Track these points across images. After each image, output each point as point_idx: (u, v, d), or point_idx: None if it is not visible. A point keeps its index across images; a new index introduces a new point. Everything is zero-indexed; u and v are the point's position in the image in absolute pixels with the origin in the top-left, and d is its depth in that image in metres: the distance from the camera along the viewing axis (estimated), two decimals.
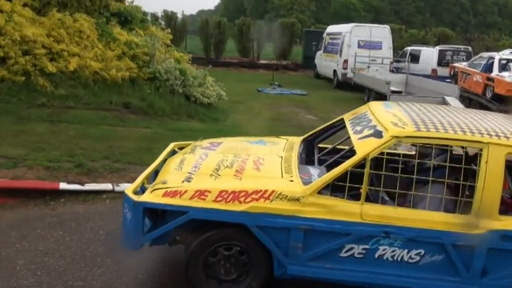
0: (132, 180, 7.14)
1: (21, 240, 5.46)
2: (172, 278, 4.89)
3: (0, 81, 10.67)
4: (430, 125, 4.33)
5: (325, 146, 5.94)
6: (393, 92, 16.22)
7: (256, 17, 47.57)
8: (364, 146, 4.32)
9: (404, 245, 4.18)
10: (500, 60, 18.77)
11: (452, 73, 21.75)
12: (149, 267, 5.05)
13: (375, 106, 5.29)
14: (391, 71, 22.28)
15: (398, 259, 4.22)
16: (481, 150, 4.17)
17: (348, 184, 4.18)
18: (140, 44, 13.19)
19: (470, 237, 4.08)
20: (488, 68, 18.79)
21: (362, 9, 70.83)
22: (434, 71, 23.15)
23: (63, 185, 6.78)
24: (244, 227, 4.22)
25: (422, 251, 4.18)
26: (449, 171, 4.33)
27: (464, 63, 21.44)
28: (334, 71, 23.78)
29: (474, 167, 4.31)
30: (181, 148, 5.73)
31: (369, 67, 21.04)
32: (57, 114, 10.31)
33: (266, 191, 4.20)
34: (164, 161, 5.30)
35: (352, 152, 4.66)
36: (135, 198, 4.30)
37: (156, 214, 4.48)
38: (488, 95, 18.19)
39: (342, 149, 5.64)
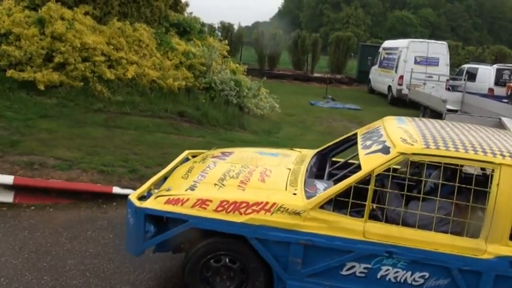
0: None
1: (72, 241, 5.61)
2: None
3: (59, 86, 11.01)
4: (440, 143, 4.21)
5: (339, 160, 5.85)
6: (449, 110, 15.89)
7: (311, 30, 47.55)
8: (369, 162, 4.23)
9: (408, 266, 4.06)
10: None
11: (509, 93, 21.15)
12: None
13: (389, 121, 5.18)
14: (447, 88, 21.83)
15: (402, 281, 4.10)
16: (493, 171, 4.00)
17: (351, 200, 4.10)
18: (197, 54, 13.40)
19: (477, 262, 3.95)
20: None
21: (419, 25, 70.00)
22: (491, 90, 22.55)
23: (116, 189, 6.92)
24: (243, 239, 4.20)
25: (427, 274, 4.06)
26: (459, 192, 4.16)
27: None
28: (389, 86, 23.48)
29: (485, 189, 4.10)
30: (194, 156, 5.75)
31: (424, 84, 20.67)
32: (113, 120, 10.55)
33: (267, 203, 4.17)
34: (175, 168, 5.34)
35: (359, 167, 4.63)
36: (138, 204, 4.36)
37: (161, 221, 4.48)
38: None
39: (354, 163, 5.57)
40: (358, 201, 4.12)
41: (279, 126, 13.49)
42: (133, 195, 4.52)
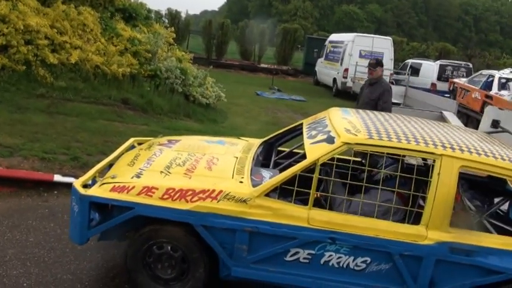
0: None
1: (13, 230, 5.46)
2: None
3: (1, 69, 10.64)
4: (383, 134, 4.32)
5: (285, 149, 5.91)
6: (392, 103, 16.19)
7: (259, 21, 47.57)
8: (314, 151, 4.28)
9: (350, 252, 4.14)
10: (500, 78, 18.79)
11: (451, 88, 21.76)
12: None
13: (334, 112, 5.24)
14: (391, 82, 22.24)
15: (344, 266, 4.19)
16: (434, 161, 4.15)
17: (295, 188, 4.16)
18: (143, 40, 13.17)
19: (418, 247, 4.07)
20: (488, 85, 18.80)
21: (365, 20, 71.13)
22: (433, 85, 23.18)
23: (57, 177, 6.76)
24: (185, 226, 4.21)
25: (369, 259, 4.16)
26: (401, 181, 4.30)
27: (464, 80, 21.47)
28: (334, 79, 23.80)
29: (426, 178, 4.21)
30: (140, 143, 5.71)
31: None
32: (56, 106, 10.29)
33: (214, 190, 4.18)
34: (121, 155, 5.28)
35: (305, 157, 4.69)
36: (82, 191, 4.27)
37: (105, 209, 4.43)
38: None
39: (299, 153, 5.62)
40: (303, 190, 4.16)
41: (225, 116, 13.49)
42: (77, 182, 4.42)
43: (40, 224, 5.66)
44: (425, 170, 4.52)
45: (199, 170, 4.62)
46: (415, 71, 24.06)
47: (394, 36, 35.60)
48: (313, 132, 4.76)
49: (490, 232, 4.47)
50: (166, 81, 12.59)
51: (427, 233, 4.08)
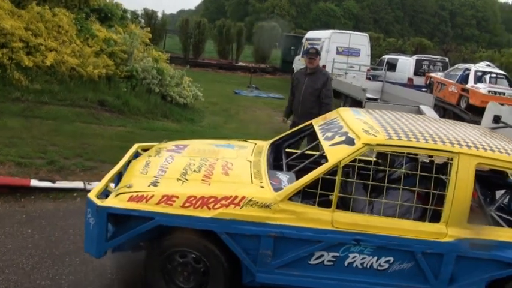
0: None
1: None
2: (141, 278, 4.82)
3: None
4: (401, 134, 4.35)
5: (292, 151, 5.92)
6: (369, 99, 16.33)
7: (236, 19, 47.54)
8: (335, 153, 4.28)
9: (374, 252, 4.16)
10: (476, 72, 19.07)
11: (428, 83, 21.99)
12: (118, 267, 5.00)
13: (345, 112, 5.26)
14: (368, 78, 22.41)
15: (368, 266, 4.20)
16: (452, 159, 4.20)
17: (319, 191, 4.15)
18: (119, 41, 13.07)
19: (440, 245, 4.13)
20: (464, 79, 19.05)
21: (342, 17, 71.27)
22: (410, 80, 23.39)
23: (34, 182, 6.68)
24: (205, 234, 4.15)
25: (392, 259, 4.19)
26: (415, 180, 4.34)
27: (440, 74, 21.70)
28: None
29: (443, 177, 4.34)
30: (145, 150, 5.57)
31: (346, 73, 21.16)
32: (31, 110, 10.19)
33: (236, 197, 4.11)
34: (128, 163, 5.15)
35: (322, 158, 4.69)
36: (99, 202, 4.12)
37: (119, 219, 4.29)
38: (463, 105, 18.48)
39: (310, 155, 5.66)
40: (324, 192, 4.17)
41: (203, 115, 13.48)
42: (92, 193, 4.27)
43: (17, 230, 5.58)
44: (438, 168, 4.55)
45: (217, 175, 4.53)
46: (392, 66, 24.24)
47: (371, 32, 35.89)
48: (329, 134, 4.76)
49: (501, 225, 4.58)
50: (143, 82, 12.53)
51: (447, 230, 4.16)
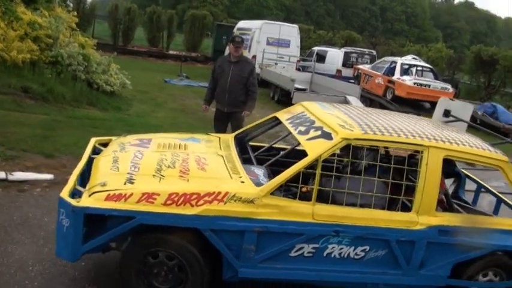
0: (26, 169, 6.96)
1: None
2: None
3: None
4: (374, 128, 4.53)
5: (257, 144, 5.97)
6: (297, 89, 16.56)
7: (168, 7, 46.94)
8: (315, 148, 4.36)
9: (351, 242, 4.31)
10: (402, 64, 19.69)
11: (355, 74, 22.50)
12: (38, 258, 4.85)
13: (312, 107, 5.36)
14: (298, 69, 22.71)
15: (345, 256, 4.36)
16: (422, 152, 4.47)
17: (300, 185, 4.26)
18: (44, 25, 12.59)
19: (412, 232, 4.37)
20: (390, 71, 19.62)
21: (274, 8, 71.64)
22: (339, 71, 23.89)
23: None
24: (185, 232, 4.08)
25: (368, 247, 4.37)
26: (385, 172, 4.57)
27: (368, 66, 22.24)
28: None
29: (413, 168, 4.56)
30: (102, 144, 5.37)
31: (276, 64, 21.35)
32: None
33: (219, 193, 4.05)
34: (90, 160, 4.93)
35: (295, 153, 4.83)
36: (74, 203, 3.90)
37: (91, 220, 4.07)
38: (389, 96, 19.04)
39: (278, 148, 5.80)
40: (305, 186, 4.35)
41: (130, 104, 13.28)
42: (65, 193, 4.03)
43: None
44: (401, 161, 4.83)
45: (194, 171, 4.44)
46: (321, 58, 24.61)
47: (302, 24, 36.23)
48: (302, 128, 4.84)
49: (459, 212, 5.07)
50: (69, 68, 12.16)
51: (418, 219, 4.40)
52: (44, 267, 4.72)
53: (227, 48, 27.07)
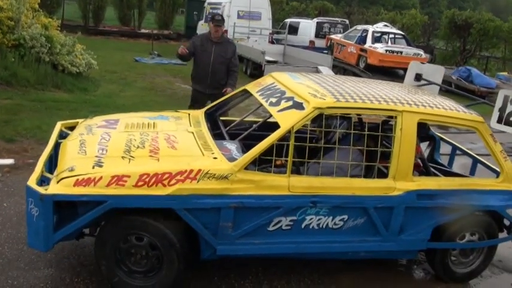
0: None
1: None
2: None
3: None
4: (347, 96, 4.46)
5: (228, 118, 5.86)
6: (268, 61, 16.49)
7: None
8: (287, 119, 4.27)
9: (329, 212, 4.28)
10: (373, 32, 19.68)
11: (328, 44, 22.46)
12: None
13: (282, 77, 5.26)
14: (272, 42, 22.59)
15: (324, 226, 4.33)
16: (396, 117, 4.43)
17: (274, 158, 4.19)
18: (5, 7, 12.19)
19: (390, 198, 4.37)
20: (363, 39, 19.63)
21: None
22: (312, 42, 23.82)
23: None
24: (156, 213, 3.98)
25: (346, 216, 4.35)
26: (359, 139, 4.59)
27: (340, 35, 22.18)
28: None
29: (388, 134, 4.63)
30: (69, 128, 5.19)
31: (248, 37, 21.18)
32: None
33: (192, 171, 3.94)
34: (57, 144, 4.77)
35: (268, 125, 4.77)
36: (42, 190, 3.76)
37: (61, 207, 3.94)
38: (362, 65, 19.09)
39: (250, 122, 5.69)
40: (281, 158, 4.34)
41: (98, 84, 13.02)
42: (32, 181, 3.86)
43: None
44: (376, 127, 4.83)
45: (164, 150, 4.30)
46: (294, 29, 24.52)
47: None
48: (273, 100, 4.72)
49: (436, 175, 5.13)
50: (32, 51, 11.80)
51: (396, 185, 4.39)
52: (0, 252, 4.62)
53: (198, 24, 27.16)
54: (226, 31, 21.78)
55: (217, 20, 7.29)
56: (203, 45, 7.30)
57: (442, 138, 6.05)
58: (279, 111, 4.48)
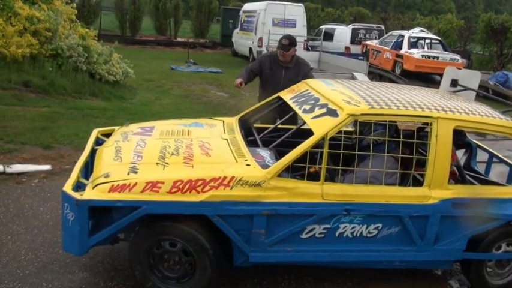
0: (24, 161, 6.96)
1: None
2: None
3: None
4: (381, 102, 4.39)
5: (262, 125, 5.84)
6: None
7: None
8: (320, 126, 4.23)
9: (363, 220, 4.23)
10: (409, 38, 19.46)
11: (364, 50, 22.31)
12: (31, 247, 4.79)
13: (315, 84, 5.24)
14: (306, 49, 22.54)
15: (357, 235, 4.27)
16: (431, 124, 4.33)
17: (307, 165, 4.15)
18: (42, 18, 12.48)
19: (425, 207, 4.27)
20: (398, 45, 19.42)
21: None
22: (347, 48, 23.73)
23: None
24: (192, 220, 4.00)
25: (380, 225, 4.28)
26: (394, 147, 4.55)
27: (376, 41, 22.02)
28: (250, 48, 23.80)
29: (423, 141, 4.54)
30: (105, 135, 5.28)
31: None
32: None
33: (225, 177, 3.95)
34: (93, 151, 4.84)
35: (302, 132, 4.69)
36: (78, 196, 3.81)
37: (97, 212, 3.99)
38: (398, 71, 18.88)
39: (282, 129, 5.61)
40: (313, 165, 4.25)
41: (135, 92, 13.20)
42: (67, 187, 3.93)
43: None
44: (412, 134, 4.66)
45: (198, 157, 4.33)
46: (329, 36, 24.47)
47: (308, 3, 35.78)
48: (307, 107, 4.69)
49: (472, 183, 4.98)
50: (69, 60, 12.08)
51: (431, 193, 4.29)
52: (36, 255, 4.73)
53: (234, 32, 27.31)
54: (261, 39, 21.91)
55: (282, 45, 6.46)
56: (272, 69, 6.57)
57: (479, 146, 5.90)
58: (312, 118, 4.45)
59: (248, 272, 4.64)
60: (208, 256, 4.04)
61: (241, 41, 25.83)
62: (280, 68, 6.55)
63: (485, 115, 4.59)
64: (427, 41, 20.14)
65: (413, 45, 19.32)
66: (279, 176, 4.05)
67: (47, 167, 6.86)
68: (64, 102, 10.72)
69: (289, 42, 6.44)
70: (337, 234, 4.23)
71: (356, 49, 23.30)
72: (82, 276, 4.49)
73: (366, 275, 4.89)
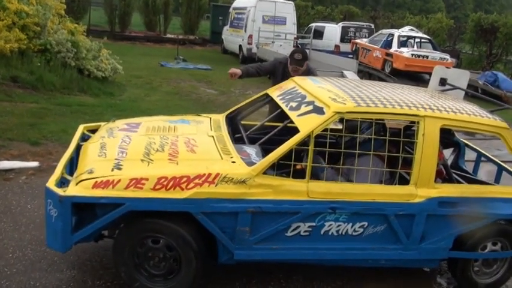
0: (12, 157, 6.89)
1: None
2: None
3: None
4: (367, 100, 4.38)
5: (249, 123, 5.80)
6: None
7: None
8: (306, 123, 4.22)
9: (348, 219, 4.21)
10: (399, 36, 19.55)
11: (354, 49, 22.37)
12: (19, 245, 4.76)
13: (303, 81, 5.21)
14: (296, 46, 22.50)
15: (343, 233, 4.26)
16: (418, 123, 4.32)
17: (293, 162, 4.11)
18: (31, 13, 12.37)
19: (411, 206, 4.27)
20: (388, 44, 19.50)
21: None
22: (337, 47, 23.78)
23: None
24: (173, 217, 3.97)
25: (366, 223, 4.27)
26: (381, 145, 4.52)
27: (365, 40, 22.08)
28: (240, 46, 23.76)
29: (411, 140, 4.47)
30: (91, 131, 5.23)
31: (273, 42, 21.18)
32: None
33: (210, 174, 3.91)
34: (79, 147, 4.80)
35: (289, 130, 4.66)
36: (61, 192, 3.78)
37: (79, 209, 3.97)
38: (387, 69, 18.95)
39: (271, 126, 5.54)
40: (299, 163, 4.24)
41: (123, 89, 13.14)
42: (50, 183, 3.90)
43: None
44: (398, 133, 4.65)
45: (183, 153, 4.29)
46: (319, 34, 24.50)
47: (299, 1, 35.73)
48: (293, 104, 4.68)
49: (459, 182, 5.01)
50: (58, 56, 11.97)
51: (417, 191, 4.29)
52: (23, 253, 4.69)
53: (224, 29, 27.25)
54: (251, 36, 21.86)
55: (296, 60, 6.09)
56: (283, 78, 6.12)
57: (467, 145, 5.93)
58: (298, 115, 4.44)
59: (237, 272, 4.63)
60: (192, 249, 4.02)
61: (231, 38, 25.79)
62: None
63: (473, 114, 4.59)
64: (417, 40, 20.23)
65: (403, 44, 19.41)
66: (264, 173, 4.04)
67: (34, 163, 6.80)
68: (52, 98, 10.64)
69: (303, 56, 6.13)
70: (322, 232, 4.22)
71: (346, 47, 23.35)
72: (70, 274, 4.46)
73: (355, 273, 4.89)
